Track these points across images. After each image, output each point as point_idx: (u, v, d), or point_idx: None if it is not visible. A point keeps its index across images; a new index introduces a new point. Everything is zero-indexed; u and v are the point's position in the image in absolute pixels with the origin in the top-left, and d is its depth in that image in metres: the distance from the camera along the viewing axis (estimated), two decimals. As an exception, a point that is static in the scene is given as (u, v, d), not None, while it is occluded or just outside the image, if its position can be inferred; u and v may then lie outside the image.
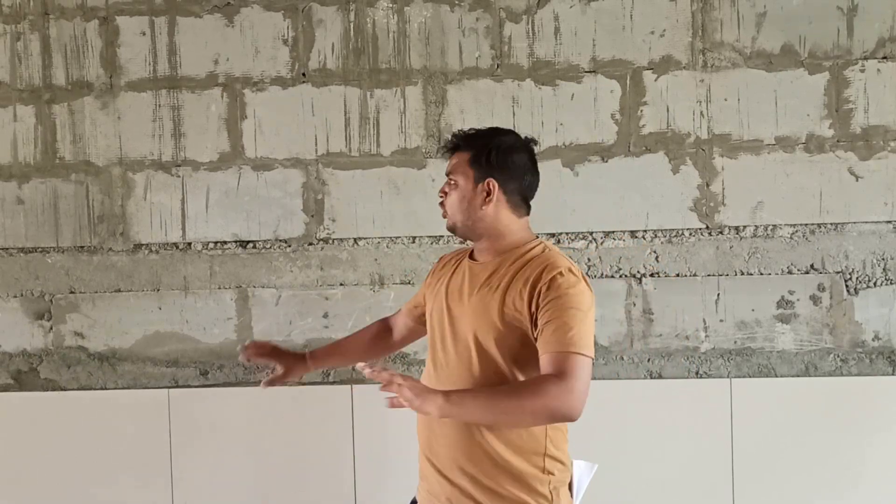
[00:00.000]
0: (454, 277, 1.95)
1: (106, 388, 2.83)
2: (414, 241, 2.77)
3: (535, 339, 1.75)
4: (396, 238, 2.77)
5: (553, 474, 1.84)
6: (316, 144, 2.78)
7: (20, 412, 2.81)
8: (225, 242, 2.82)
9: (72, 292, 2.83)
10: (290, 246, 2.81)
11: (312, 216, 2.80)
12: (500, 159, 1.86)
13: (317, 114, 2.77)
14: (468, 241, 2.02)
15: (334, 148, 2.78)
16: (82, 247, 2.82)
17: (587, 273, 2.73)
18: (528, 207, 1.93)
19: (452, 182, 1.89)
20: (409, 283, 2.77)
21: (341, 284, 2.81)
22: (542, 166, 2.69)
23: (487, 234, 1.89)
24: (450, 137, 1.95)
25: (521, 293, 1.78)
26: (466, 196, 1.86)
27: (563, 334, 1.69)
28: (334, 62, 2.76)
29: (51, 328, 2.83)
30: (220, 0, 2.76)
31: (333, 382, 2.81)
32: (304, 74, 2.77)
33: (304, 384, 2.79)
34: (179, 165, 2.80)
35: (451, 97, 2.74)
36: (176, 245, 2.82)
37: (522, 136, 1.96)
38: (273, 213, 2.80)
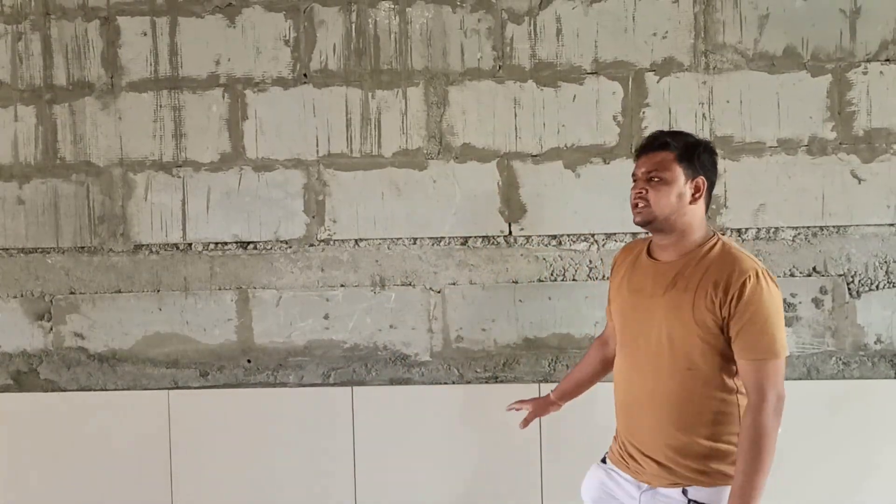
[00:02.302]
0: (635, 274, 2.05)
1: (106, 389, 2.82)
2: (415, 243, 2.77)
3: (729, 338, 1.88)
4: (397, 239, 2.77)
5: (733, 463, 1.94)
6: (317, 145, 2.77)
7: (20, 413, 2.80)
8: (226, 243, 2.81)
9: (72, 293, 2.82)
10: (290, 247, 2.80)
11: (313, 217, 2.79)
12: (707, 159, 1.98)
13: (318, 115, 2.77)
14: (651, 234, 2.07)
15: (335, 149, 2.77)
16: (83, 247, 2.82)
17: (588, 276, 2.72)
18: None
19: (658, 178, 1.95)
20: (409, 284, 2.77)
21: (342, 286, 2.80)
22: (544, 168, 2.74)
23: (681, 230, 1.97)
24: (646, 138, 2.02)
25: (710, 295, 1.88)
26: (678, 191, 1.94)
27: (759, 341, 1.85)
28: (336, 63, 2.75)
29: (51, 329, 2.82)
30: (221, 0, 2.75)
31: (334, 384, 2.80)
32: (305, 75, 2.76)
33: (303, 385, 2.79)
34: (180, 166, 2.79)
35: (453, 98, 2.73)
36: (176, 246, 2.81)
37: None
38: (274, 213, 2.79)
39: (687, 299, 1.90)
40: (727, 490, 1.88)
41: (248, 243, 2.81)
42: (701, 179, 1.96)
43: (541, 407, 2.41)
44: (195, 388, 2.81)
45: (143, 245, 2.81)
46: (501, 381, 2.75)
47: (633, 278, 2.04)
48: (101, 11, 2.76)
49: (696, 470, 1.93)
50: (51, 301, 2.83)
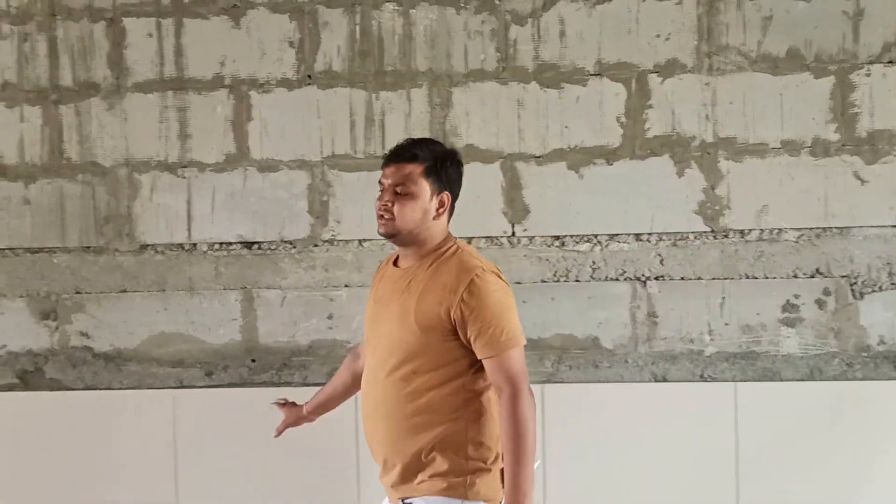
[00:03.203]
0: (381, 284, 2.05)
1: (111, 389, 2.83)
2: (419, 243, 2.77)
3: (467, 341, 1.87)
4: (401, 240, 2.78)
5: (476, 460, 1.91)
6: (321, 146, 2.79)
7: (25, 412, 2.82)
8: (230, 243, 2.82)
9: (77, 292, 2.84)
10: (295, 247, 2.81)
11: (317, 217, 2.80)
12: (454, 172, 1.98)
13: (322, 116, 2.78)
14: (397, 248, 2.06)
15: (340, 150, 2.78)
16: (88, 247, 2.83)
17: (591, 276, 2.73)
18: None
19: (404, 192, 1.92)
20: (413, 284, 2.78)
21: (346, 286, 2.81)
22: (547, 169, 2.75)
23: (423, 242, 1.97)
24: (395, 147, 1.98)
25: (437, 297, 1.88)
26: (423, 207, 1.93)
27: (497, 337, 1.84)
28: (340, 64, 2.77)
29: (56, 328, 2.84)
30: (226, 2, 2.77)
31: (338, 384, 2.81)
32: (309, 76, 2.78)
33: (308, 385, 2.80)
34: (185, 167, 2.81)
35: (457, 99, 2.74)
36: (181, 246, 2.83)
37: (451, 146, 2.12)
38: (278, 214, 2.81)
39: (411, 304, 1.90)
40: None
41: (253, 243, 2.82)
42: (446, 195, 1.96)
43: (293, 417, 2.39)
44: (200, 387, 2.83)
45: (148, 245, 2.83)
46: (504, 382, 2.76)
47: (378, 288, 2.05)
48: (107, 12, 2.78)
49: (425, 479, 1.91)
50: (56, 300, 2.84)
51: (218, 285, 2.83)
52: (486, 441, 1.91)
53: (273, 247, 2.82)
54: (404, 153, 1.95)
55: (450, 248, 1.97)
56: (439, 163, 1.95)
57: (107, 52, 2.79)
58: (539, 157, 2.73)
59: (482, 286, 1.86)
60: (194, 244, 2.82)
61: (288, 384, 2.82)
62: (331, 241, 2.81)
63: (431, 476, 1.90)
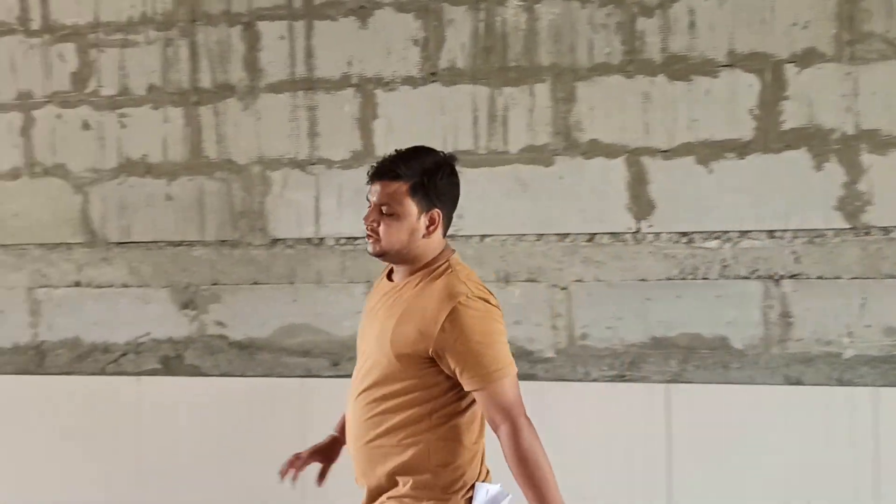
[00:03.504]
0: (373, 296, 1.94)
1: (245, 376, 2.97)
2: (540, 239, 2.77)
3: (452, 373, 1.74)
4: (523, 236, 2.78)
5: (436, 488, 1.81)
6: (444, 142, 2.82)
7: (166, 395, 2.99)
8: (356, 238, 2.90)
9: (214, 284, 2.99)
10: (418, 242, 2.86)
11: (440, 213, 2.84)
12: (446, 184, 1.84)
13: (446, 112, 2.81)
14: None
15: (462, 146, 2.81)
16: (225, 241, 2.98)
17: (720, 274, 2.64)
18: None
19: (389, 213, 1.80)
20: (534, 280, 2.77)
21: (468, 281, 2.83)
22: (674, 163, 2.68)
23: (415, 259, 1.84)
24: (379, 162, 1.88)
25: (416, 323, 1.74)
26: (411, 227, 1.80)
27: (486, 368, 1.70)
28: (464, 61, 2.79)
29: (195, 317, 3.00)
30: (354, 3, 2.84)
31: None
32: (433, 74, 2.82)
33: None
34: (314, 164, 2.91)
35: (581, 94, 2.71)
36: (310, 240, 2.93)
37: (444, 154, 1.90)
38: (402, 209, 2.86)
39: (390, 325, 1.77)
40: None
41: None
42: (436, 212, 1.81)
43: (328, 450, 2.16)
44: (326, 377, 2.92)
45: (279, 239, 2.94)
46: (629, 380, 2.71)
47: (371, 300, 1.93)
48: (243, 17, 2.91)
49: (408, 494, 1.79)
50: (195, 291, 3.00)
51: (344, 279, 2.91)
52: (451, 468, 1.80)
53: (397, 242, 2.88)
54: (387, 171, 1.83)
55: (440, 266, 1.82)
56: (426, 178, 1.81)
57: (242, 55, 2.92)
58: (666, 151, 2.67)
59: (465, 314, 1.71)
60: (322, 239, 2.92)
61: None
62: (452, 237, 2.82)
63: (391, 498, 1.82)
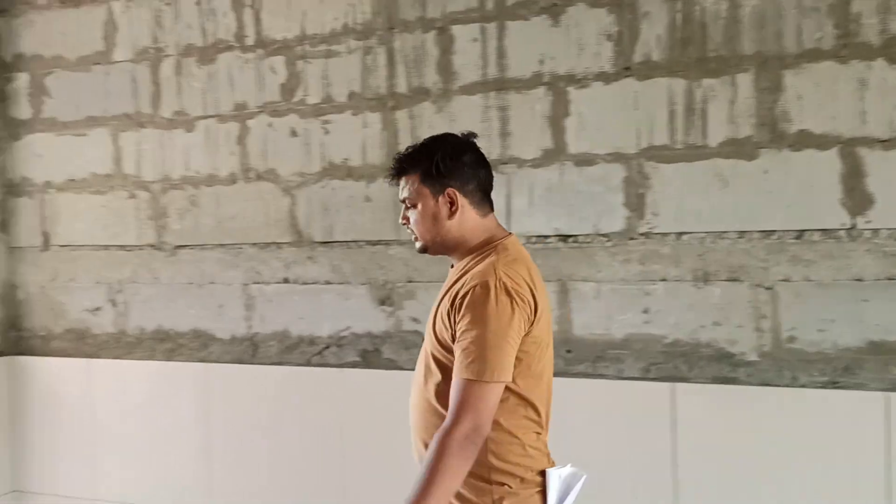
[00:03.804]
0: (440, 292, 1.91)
1: (438, 371, 3.05)
2: (742, 237, 2.64)
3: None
4: (723, 233, 2.66)
5: (502, 485, 1.76)
6: (638, 138, 2.76)
7: (365, 387, 3.14)
8: (547, 237, 2.90)
9: (409, 281, 3.10)
10: (610, 240, 2.82)
11: (633, 210, 2.78)
12: (450, 165, 1.82)
13: (640, 107, 2.75)
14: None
15: (657, 141, 2.74)
16: (419, 240, 3.07)
17: None
18: (491, 201, 1.92)
19: (411, 206, 1.86)
20: (736, 280, 2.65)
21: (662, 280, 2.76)
22: (895, 154, 2.47)
23: (457, 244, 1.86)
24: (392, 164, 1.90)
25: (449, 307, 1.75)
26: (431, 212, 1.83)
27: (465, 359, 1.68)
28: (659, 54, 2.72)
29: (392, 313, 3.13)
30: (546, 1, 2.84)
31: (654, 379, 2.77)
32: (627, 68, 2.76)
33: (623, 378, 2.78)
34: (505, 163, 2.94)
35: (788, 83, 2.56)
36: (501, 239, 2.96)
37: (460, 134, 1.91)
38: (594, 207, 2.83)
39: (434, 311, 1.82)
40: None
41: (569, 237, 2.88)
42: (451, 191, 1.81)
43: None
44: (518, 374, 2.94)
45: (471, 238, 3.00)
46: (842, 387, 2.53)
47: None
48: (437, 22, 2.99)
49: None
50: (392, 288, 3.13)
51: (535, 277, 2.92)
52: (510, 461, 1.77)
53: (588, 240, 2.85)
54: (397, 168, 1.89)
55: (486, 250, 1.82)
56: (429, 162, 1.83)
57: (436, 59, 3.01)
58: (885, 141, 2.46)
59: (482, 297, 1.68)
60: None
61: (602, 376, 2.83)
62: (647, 235, 2.77)
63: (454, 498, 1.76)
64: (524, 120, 2.91)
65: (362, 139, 3.13)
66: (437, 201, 1.83)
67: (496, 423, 1.75)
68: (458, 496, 1.78)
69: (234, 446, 3.32)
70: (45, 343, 3.68)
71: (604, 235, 2.83)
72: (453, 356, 1.73)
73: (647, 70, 2.73)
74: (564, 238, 2.88)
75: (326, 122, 3.17)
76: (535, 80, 2.88)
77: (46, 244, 3.67)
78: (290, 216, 3.25)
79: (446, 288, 1.84)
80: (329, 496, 3.18)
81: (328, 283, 3.21)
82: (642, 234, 2.78)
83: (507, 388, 1.74)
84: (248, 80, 3.28)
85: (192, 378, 3.40)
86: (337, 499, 3.17)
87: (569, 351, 2.88)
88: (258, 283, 3.31)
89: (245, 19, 3.26)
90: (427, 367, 1.84)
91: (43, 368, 3.67)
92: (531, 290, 1.76)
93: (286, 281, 3.27)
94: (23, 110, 3.68)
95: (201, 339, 3.41)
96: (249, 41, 3.26)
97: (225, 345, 3.38)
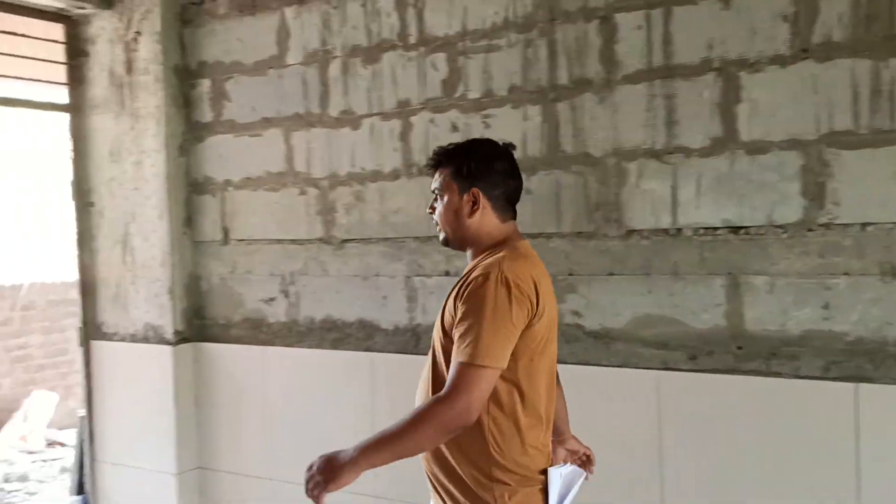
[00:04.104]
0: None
1: (599, 365, 3.02)
2: (937, 227, 2.44)
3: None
4: (915, 223, 2.47)
5: (504, 483, 1.84)
6: (818, 124, 2.61)
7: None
8: (716, 228, 2.80)
9: (570, 274, 3.08)
10: (785, 232, 2.68)
11: (812, 200, 2.63)
12: (481, 168, 1.98)
13: (819, 91, 2.60)
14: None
15: (839, 126, 2.58)
16: (580, 232, 3.05)
17: None
18: (514, 211, 2.07)
19: (439, 197, 2.03)
20: (930, 274, 2.45)
21: (844, 274, 2.59)
22: None
23: (473, 242, 2.00)
24: (431, 155, 2.07)
25: (454, 299, 1.86)
26: (454, 207, 1.99)
27: (461, 343, 1.77)
28: (841, 33, 2.55)
29: (552, 306, 3.11)
30: (715, -16, 2.74)
31: (834, 379, 2.60)
32: (805, 50, 2.62)
33: (799, 377, 2.65)
34: (671, 153, 2.86)
35: None
36: (666, 231, 2.88)
37: (500, 142, 2.07)
38: (767, 197, 2.70)
39: (444, 303, 1.92)
40: None
41: (739, 228, 2.76)
42: (475, 191, 1.96)
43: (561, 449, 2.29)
44: (684, 370, 2.86)
45: (634, 230, 2.94)
46: None
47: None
48: (600, 11, 2.95)
49: (446, 490, 1.89)
50: (552, 281, 3.11)
51: (702, 270, 2.83)
52: (511, 458, 1.85)
53: (761, 231, 2.72)
54: (434, 160, 2.05)
55: (497, 250, 1.93)
56: (461, 161, 1.98)
57: (599, 49, 2.97)
58: None
59: (480, 288, 1.80)
60: (679, 229, 2.86)
61: (777, 374, 2.70)
62: (827, 226, 2.61)
63: (453, 487, 1.88)
64: (692, 108, 2.82)
65: (522, 132, 3.14)
66: (461, 198, 1.99)
67: (497, 420, 1.85)
68: (462, 491, 1.87)
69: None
70: (225, 331, 3.94)
71: (779, 227, 2.69)
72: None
73: (828, 51, 2.58)
74: (735, 230, 2.77)
75: (487, 116, 3.20)
76: (703, 66, 2.78)
77: (226, 239, 3.93)
78: (451, 210, 3.31)
79: (456, 281, 1.95)
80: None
81: (489, 275, 3.24)
82: (822, 225, 2.62)
83: (509, 384, 1.85)
84: (410, 78, 3.36)
85: (358, 366, 3.53)
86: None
87: (739, 347, 2.77)
88: (420, 275, 3.40)
89: (408, 18, 3.35)
90: (433, 357, 1.96)
91: (223, 354, 3.93)
92: (534, 287, 1.86)
93: (447, 274, 3.34)
94: (205, 114, 3.95)
95: (366, 330, 3.54)
96: (412, 39, 3.35)
97: (388, 335, 3.49)
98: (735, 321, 2.77)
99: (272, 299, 3.81)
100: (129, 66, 3.98)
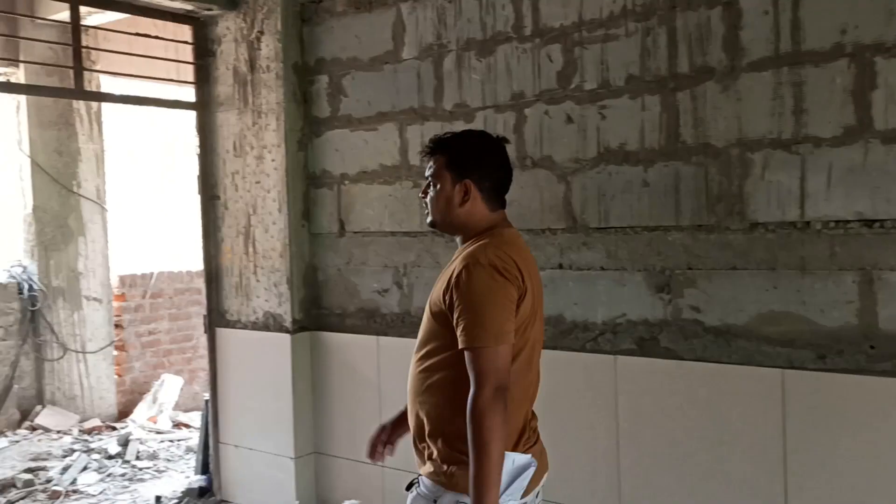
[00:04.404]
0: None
1: (720, 362, 2.92)
2: None
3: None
4: None
5: (461, 452, 1.94)
6: (964, 110, 2.44)
7: (641, 376, 3.09)
8: (847, 222, 2.67)
9: (689, 268, 3.00)
10: (925, 226, 2.52)
11: (957, 192, 2.47)
12: (474, 160, 2.09)
13: (967, 74, 2.43)
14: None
15: None
16: (700, 225, 2.96)
17: None
18: (503, 201, 2.17)
19: (432, 184, 2.12)
20: None
21: None
22: None
23: (462, 229, 2.11)
24: (428, 143, 2.15)
25: (444, 285, 1.99)
26: (446, 195, 2.08)
27: (470, 329, 1.90)
28: None
29: (670, 301, 3.04)
30: (851, -36, 2.61)
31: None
32: (950, 31, 2.45)
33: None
34: (799, 143, 2.74)
35: None
36: (793, 224, 2.77)
37: (494, 135, 2.19)
38: (905, 189, 2.55)
39: (432, 290, 2.06)
40: (449, 495, 1.96)
41: (873, 221, 2.62)
42: (467, 182, 2.06)
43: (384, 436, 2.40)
44: (811, 369, 2.74)
45: (758, 223, 2.84)
46: None
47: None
48: (724, -4, 2.86)
49: (426, 460, 2.03)
50: (670, 275, 3.04)
51: (832, 265, 2.70)
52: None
53: (898, 225, 2.57)
54: (431, 146, 2.13)
55: (483, 237, 2.04)
56: (456, 152, 2.09)
57: (722, 36, 2.87)
58: None
59: (471, 275, 1.92)
60: (807, 222, 2.74)
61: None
62: (973, 219, 2.44)
63: (428, 458, 2.03)
64: (822, 95, 2.69)
65: (640, 123, 3.08)
66: (454, 188, 2.08)
67: (466, 393, 1.92)
68: (431, 458, 2.02)
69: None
70: (341, 320, 4.05)
71: (919, 220, 2.54)
72: (445, 329, 1.98)
73: (977, 31, 2.41)
74: (868, 223, 2.63)
75: (603, 107, 3.15)
76: (835, 52, 2.65)
77: (342, 231, 4.04)
78: (564, 202, 3.29)
79: (447, 266, 2.08)
80: (598, 489, 3.18)
81: (603, 269, 3.20)
82: (962, 218, 2.46)
83: None
84: (525, 70, 3.35)
85: (470, 358, 3.55)
86: (605, 493, 3.16)
87: (872, 346, 2.63)
88: (534, 268, 3.38)
89: (523, 10, 3.34)
90: (421, 337, 2.10)
91: (339, 343, 4.04)
92: (518, 268, 1.97)
93: (560, 266, 3.31)
94: (323, 109, 4.06)
95: (479, 322, 3.56)
96: (527, 31, 3.33)
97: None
98: (868, 319, 2.64)
99: (386, 290, 3.88)
100: (252, 65, 4.13)
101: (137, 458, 5.37)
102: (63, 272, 6.32)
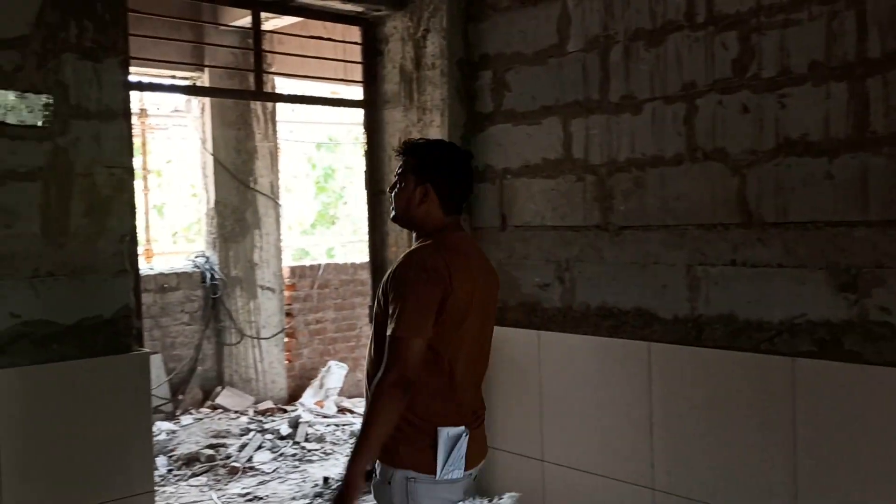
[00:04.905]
0: None
1: (914, 368, 2.71)
2: None
3: None
4: None
5: (400, 430, 2.16)
6: None
7: (822, 380, 2.91)
8: None
9: (878, 267, 2.80)
10: None
11: None
12: (437, 168, 2.30)
13: None
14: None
15: None
16: (891, 221, 2.76)
17: None
18: (459, 208, 2.35)
19: (398, 183, 2.33)
20: None
21: None
22: None
23: (417, 226, 2.33)
24: (401, 144, 2.39)
25: (385, 279, 2.21)
26: (408, 195, 2.30)
27: (391, 321, 2.13)
28: None
29: (855, 301, 2.85)
30: None
31: None
32: None
33: None
34: None
35: None
36: None
37: (461, 148, 2.46)
38: None
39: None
40: (399, 472, 2.18)
41: None
42: (427, 186, 2.27)
43: None
44: None
45: (960, 219, 2.60)
46: None
47: None
48: (923, -27, 2.64)
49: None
50: (856, 274, 2.85)
51: None
52: (414, 412, 2.16)
53: None
54: (402, 148, 2.36)
55: (429, 238, 2.27)
56: (422, 157, 2.31)
57: (920, 16, 2.66)
58: None
59: (403, 266, 2.18)
60: None
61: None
62: None
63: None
64: None
65: (824, 112, 2.90)
66: (415, 188, 2.28)
67: (424, 378, 2.14)
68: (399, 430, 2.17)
69: (675, 425, 3.33)
70: (503, 314, 4.08)
71: None
72: (389, 319, 2.16)
73: None
74: None
75: (783, 95, 2.99)
76: None
77: (504, 225, 4.07)
78: (738, 196, 3.15)
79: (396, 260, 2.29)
80: (773, 495, 3.03)
81: (780, 266, 3.04)
82: None
83: (428, 347, 2.14)
84: (697, 59, 3.24)
85: (635, 355, 3.49)
86: (782, 499, 3.01)
87: None
88: (703, 264, 3.27)
89: (695, -3, 3.23)
90: (374, 327, 2.28)
91: (500, 337, 4.01)
92: (447, 269, 2.16)
93: (733, 263, 3.18)
94: (486, 105, 4.11)
95: (644, 318, 3.49)
96: (700, 19, 3.22)
97: (667, 325, 3.40)
98: None
99: (547, 285, 3.88)
100: (418, 62, 4.24)
101: (306, 440, 5.66)
102: (241, 263, 6.76)
